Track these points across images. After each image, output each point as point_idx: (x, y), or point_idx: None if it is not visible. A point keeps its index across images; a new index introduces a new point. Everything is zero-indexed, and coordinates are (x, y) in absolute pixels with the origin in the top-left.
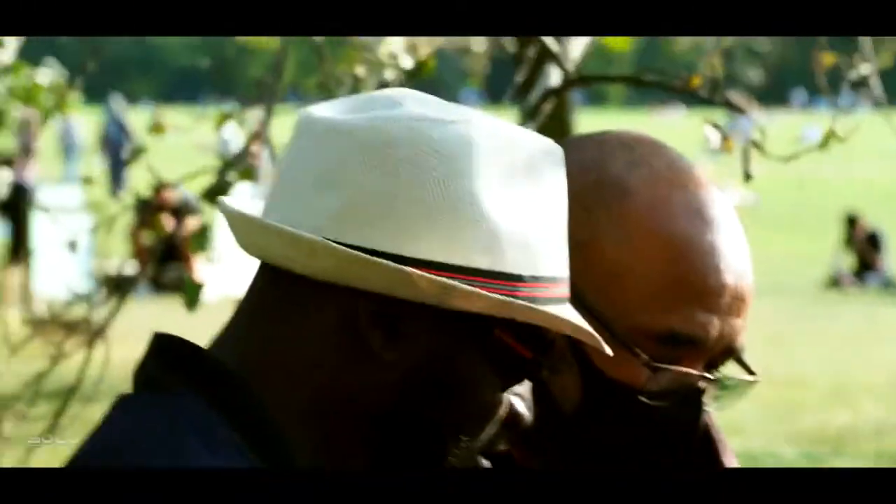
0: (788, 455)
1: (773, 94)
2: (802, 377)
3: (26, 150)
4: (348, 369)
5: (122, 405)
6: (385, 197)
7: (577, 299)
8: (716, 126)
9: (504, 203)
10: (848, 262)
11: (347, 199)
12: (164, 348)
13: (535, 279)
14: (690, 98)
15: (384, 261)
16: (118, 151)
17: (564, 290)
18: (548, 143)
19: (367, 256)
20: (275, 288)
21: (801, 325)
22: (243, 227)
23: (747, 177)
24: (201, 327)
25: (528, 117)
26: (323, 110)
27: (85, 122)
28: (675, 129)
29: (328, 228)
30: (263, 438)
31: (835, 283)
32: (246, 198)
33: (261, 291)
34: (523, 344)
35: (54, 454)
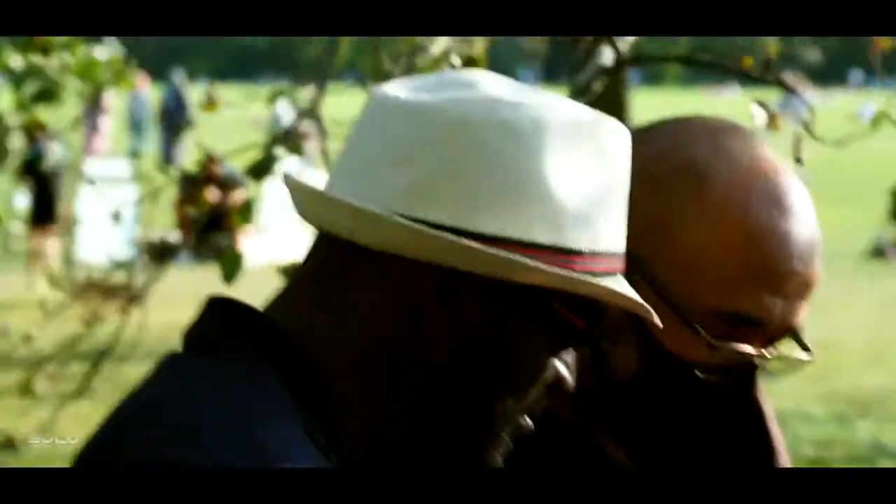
0: (818, 415)
1: (830, 74)
2: (838, 341)
3: (93, 125)
4: (405, 337)
5: (172, 364)
6: (453, 174)
7: (647, 276)
8: (762, 104)
9: (568, 180)
10: (893, 233)
11: (416, 176)
12: (221, 310)
13: (594, 253)
14: (745, 78)
15: (449, 235)
16: (174, 124)
17: (620, 263)
18: (614, 123)
19: (433, 231)
20: (336, 258)
21: (841, 292)
22: (309, 200)
23: (798, 160)
24: (241, 294)
25: (580, 95)
26: (396, 89)
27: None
28: (730, 108)
29: (396, 203)
30: (318, 405)
31: (878, 253)
32: (298, 172)
33: (320, 260)
34: (577, 315)
35: (77, 418)
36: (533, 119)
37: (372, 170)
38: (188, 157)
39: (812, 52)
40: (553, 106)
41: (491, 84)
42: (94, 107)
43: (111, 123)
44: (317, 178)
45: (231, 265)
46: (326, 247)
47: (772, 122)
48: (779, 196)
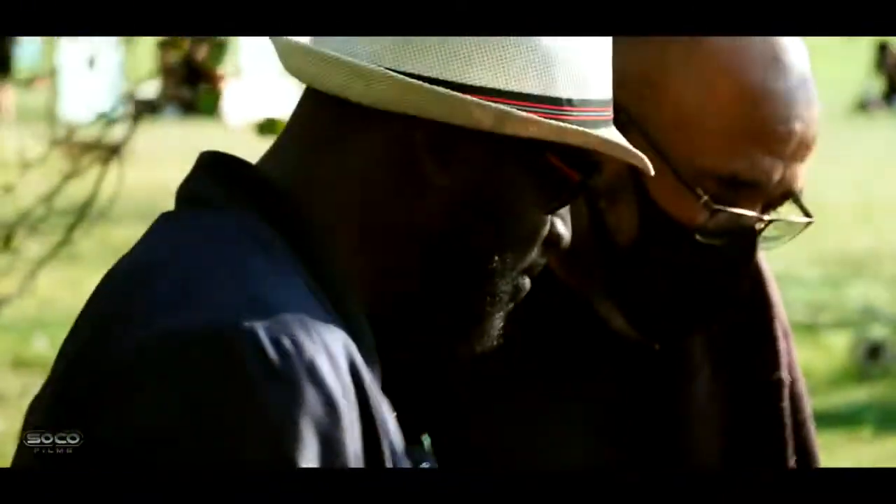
0: (810, 277)
1: None
2: (825, 200)
3: None
4: (400, 194)
5: (169, 221)
6: None
7: (644, 135)
8: None
9: None
10: (877, 86)
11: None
12: (215, 165)
13: (584, 102)
14: None
15: (442, 89)
16: None
17: (610, 112)
18: None
19: (426, 85)
20: (327, 115)
21: (826, 149)
22: (297, 56)
23: None
24: (228, 149)
25: None
26: None
27: None
28: None
29: (385, 57)
30: (317, 257)
31: (863, 106)
32: None
33: (311, 118)
34: (571, 166)
35: (62, 281)
36: None
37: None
38: None
39: None
40: None
41: None
42: None
43: None
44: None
45: (208, 101)
46: (316, 103)
47: None
48: (777, 55)
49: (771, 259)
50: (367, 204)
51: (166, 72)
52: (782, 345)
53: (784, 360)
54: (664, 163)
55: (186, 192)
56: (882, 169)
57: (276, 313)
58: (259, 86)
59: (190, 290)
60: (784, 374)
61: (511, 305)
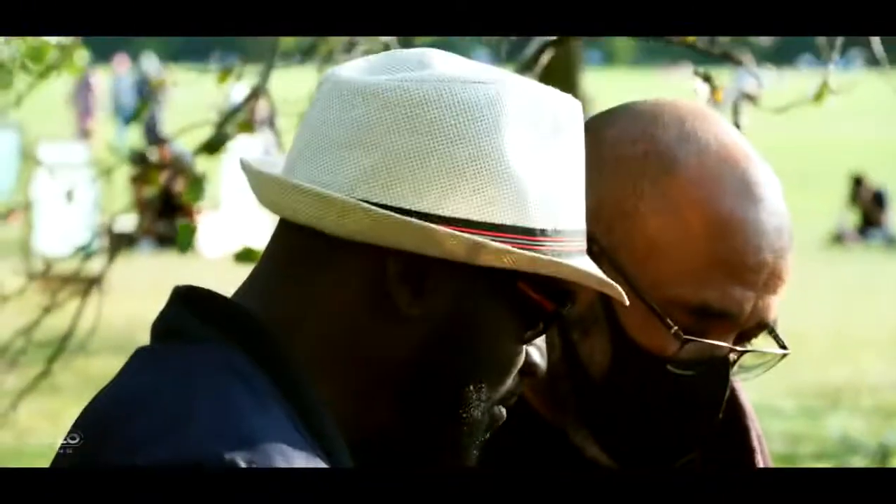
0: (787, 408)
1: (782, 57)
2: (803, 332)
3: (84, 107)
4: (374, 325)
5: (148, 355)
6: (414, 156)
7: (615, 266)
8: (706, 77)
9: (528, 159)
10: (852, 219)
11: (377, 159)
12: (190, 299)
13: (557, 232)
14: (694, 55)
15: (415, 220)
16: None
17: (583, 242)
18: (569, 100)
19: (399, 216)
20: (301, 245)
21: (803, 280)
22: (270, 187)
23: (737, 126)
24: (205, 282)
25: (526, 69)
26: (349, 71)
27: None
28: (680, 88)
29: (357, 188)
30: (295, 389)
31: (838, 239)
32: (258, 157)
33: (285, 248)
34: (545, 296)
35: (41, 413)
36: (489, 98)
37: (331, 153)
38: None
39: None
40: (507, 83)
41: (443, 62)
42: (83, 87)
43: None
44: (275, 163)
45: (185, 236)
46: (290, 234)
47: (714, 94)
48: (748, 185)
49: (748, 390)
50: (340, 333)
51: (142, 206)
52: (761, 463)
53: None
54: (634, 293)
55: (162, 326)
56: (857, 301)
57: (259, 444)
58: (236, 218)
59: (173, 423)
60: None
61: (487, 435)
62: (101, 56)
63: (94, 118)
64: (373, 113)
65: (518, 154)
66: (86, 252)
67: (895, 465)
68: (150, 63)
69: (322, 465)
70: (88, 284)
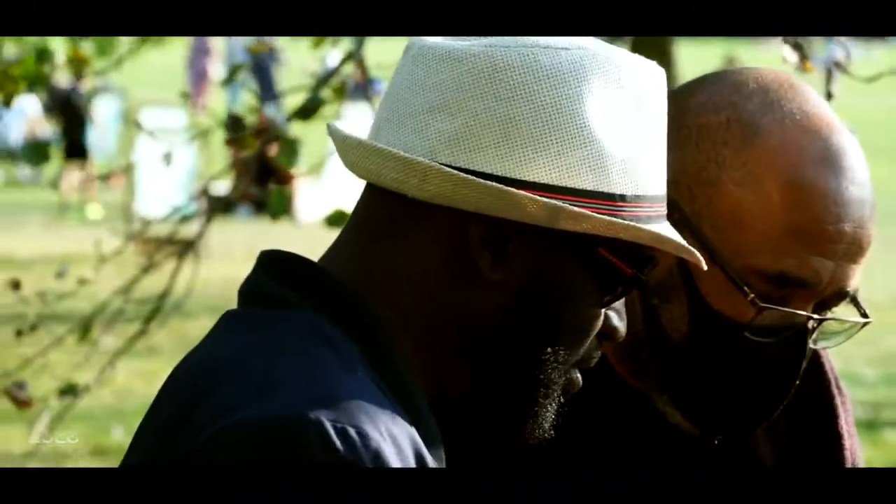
0: (869, 377)
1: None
2: (885, 300)
3: (199, 72)
4: (456, 289)
5: (236, 320)
6: (497, 122)
7: (695, 234)
8: (797, 46)
9: (609, 125)
10: None
11: (461, 124)
12: (277, 263)
13: (638, 198)
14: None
15: (496, 184)
16: (266, 70)
17: (663, 207)
18: (652, 67)
19: (480, 181)
20: (385, 210)
21: (888, 250)
22: (355, 151)
23: (829, 96)
24: (300, 247)
25: (616, 38)
26: (434, 38)
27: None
28: (771, 60)
29: (441, 152)
30: (378, 351)
31: None
32: (350, 123)
33: (370, 213)
34: (624, 261)
35: (138, 373)
36: (572, 63)
37: (415, 118)
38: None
39: None
40: (591, 49)
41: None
42: (199, 52)
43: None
44: (362, 128)
45: (278, 202)
46: (375, 198)
47: (804, 63)
48: (830, 154)
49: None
50: (423, 298)
51: (238, 170)
52: (847, 441)
53: (849, 457)
54: (713, 260)
55: (249, 291)
56: None
57: (343, 406)
58: (338, 185)
59: (261, 387)
60: (847, 457)
61: (565, 398)
62: None
63: (210, 83)
64: (456, 78)
65: (600, 120)
66: (182, 215)
67: None
68: None
69: (404, 424)
70: (185, 247)
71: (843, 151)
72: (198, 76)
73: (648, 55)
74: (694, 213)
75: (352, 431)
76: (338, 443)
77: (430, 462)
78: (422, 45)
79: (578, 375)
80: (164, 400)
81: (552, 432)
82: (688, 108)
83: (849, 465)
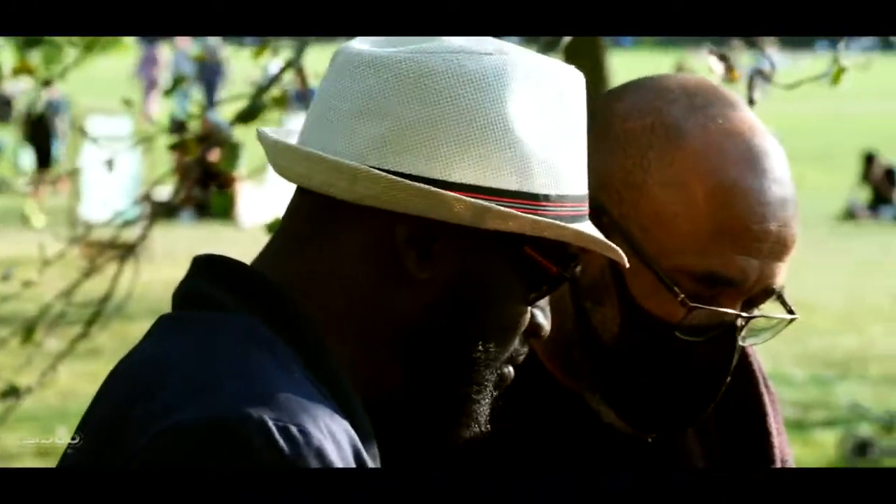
0: (797, 377)
1: (800, 41)
2: (813, 302)
3: (149, 81)
4: (385, 289)
5: (171, 323)
6: (423, 125)
7: (624, 236)
8: (722, 57)
9: (532, 128)
10: (864, 196)
11: (387, 128)
12: (212, 267)
13: (560, 198)
14: (717, 40)
15: (423, 185)
16: (211, 81)
17: (586, 207)
18: (571, 70)
19: (408, 182)
20: (314, 212)
21: (815, 254)
22: (284, 155)
23: (751, 102)
24: (242, 250)
25: (548, 48)
26: (362, 44)
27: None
28: (701, 68)
29: (369, 155)
30: (312, 350)
31: (850, 215)
32: (281, 131)
33: (300, 216)
34: (549, 259)
35: (81, 375)
36: (496, 68)
37: (343, 123)
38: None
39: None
40: (512, 54)
41: (455, 37)
42: (147, 62)
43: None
44: (291, 132)
45: (221, 206)
46: (305, 202)
47: (729, 73)
48: (752, 156)
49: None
50: (353, 297)
51: (182, 173)
52: (776, 440)
53: (777, 454)
54: (642, 262)
55: (185, 294)
56: (867, 274)
57: (283, 405)
58: (280, 191)
59: (200, 387)
60: (776, 455)
61: (496, 393)
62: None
63: (158, 91)
64: (383, 83)
65: (522, 123)
66: (125, 219)
67: None
68: (212, 38)
69: (342, 422)
70: (127, 250)
71: (764, 153)
72: (147, 85)
73: (581, 63)
74: (622, 215)
75: (294, 430)
76: (281, 441)
77: (367, 459)
78: (349, 52)
79: (510, 370)
80: (101, 401)
81: (487, 426)
82: (614, 113)
83: (778, 462)
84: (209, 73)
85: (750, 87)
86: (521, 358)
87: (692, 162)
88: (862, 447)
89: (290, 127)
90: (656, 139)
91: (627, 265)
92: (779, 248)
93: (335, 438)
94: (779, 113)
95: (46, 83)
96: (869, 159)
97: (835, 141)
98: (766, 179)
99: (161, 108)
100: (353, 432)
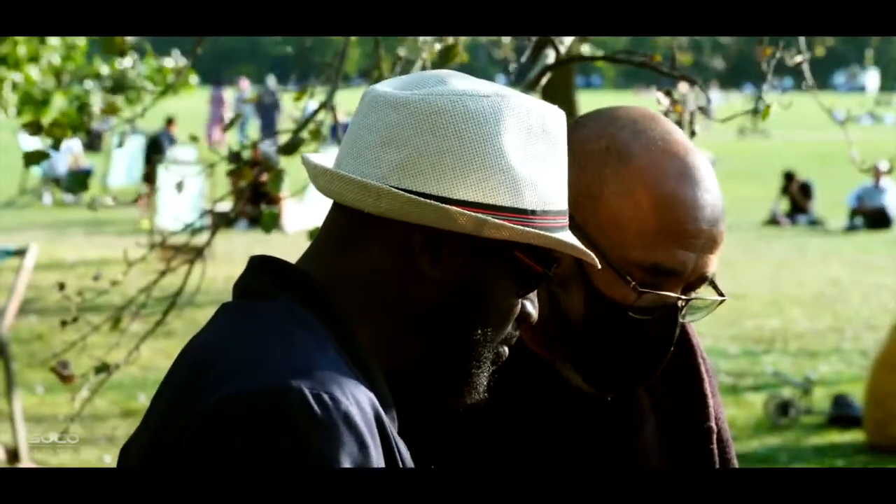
0: (732, 351)
1: (730, 81)
2: (745, 291)
3: (217, 115)
4: (403, 283)
5: (230, 310)
6: (434, 153)
7: (585, 237)
8: (668, 93)
9: (521, 155)
10: (784, 206)
11: (405, 156)
12: (263, 265)
13: (545, 212)
14: (660, 76)
15: (434, 202)
16: (269, 115)
17: (566, 219)
18: (554, 109)
19: (422, 199)
20: (346, 223)
21: (745, 253)
22: (323, 177)
23: (692, 134)
24: (287, 253)
25: (530, 88)
26: (384, 86)
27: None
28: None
29: (390, 177)
30: (344, 334)
31: (773, 222)
32: (321, 157)
33: (336, 225)
34: (536, 261)
35: (159, 351)
36: (493, 108)
37: (370, 151)
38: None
39: (717, 60)
40: (507, 97)
41: (458, 81)
42: (216, 100)
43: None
44: (328, 159)
45: (268, 220)
46: (338, 214)
47: (675, 107)
48: (686, 171)
49: (700, 337)
50: (377, 290)
51: (237, 193)
52: (711, 400)
53: (712, 412)
54: (601, 257)
55: (241, 287)
56: (787, 269)
57: (317, 376)
58: (317, 205)
59: (250, 362)
60: (712, 424)
61: (493, 368)
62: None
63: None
64: (402, 119)
65: (513, 152)
66: (193, 228)
67: (816, 395)
68: (271, 82)
69: (365, 390)
70: (196, 253)
71: (696, 167)
72: (215, 120)
73: (556, 101)
74: (584, 221)
75: (326, 397)
76: (315, 406)
77: (387, 422)
78: (374, 93)
79: (505, 349)
80: (173, 374)
81: (485, 394)
82: (575, 139)
83: (712, 418)
84: (264, 110)
85: (691, 121)
86: (514, 340)
87: (638, 176)
88: (784, 407)
89: (327, 155)
90: (609, 158)
91: (599, 267)
92: (710, 243)
93: (360, 405)
94: (716, 140)
95: (130, 121)
96: (788, 177)
97: (760, 163)
98: (698, 189)
99: (225, 138)
100: (375, 400)
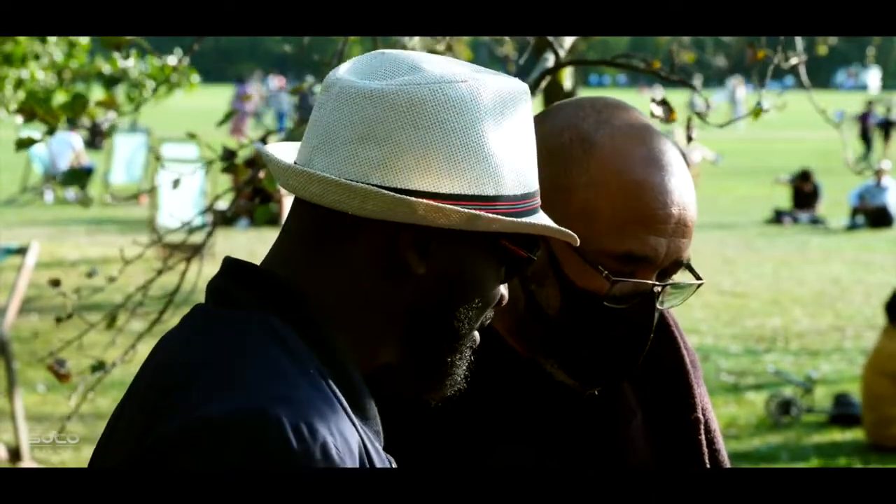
0: (733, 350)
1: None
2: (746, 290)
3: (242, 111)
4: (388, 283)
5: (208, 319)
6: (418, 147)
7: None
8: (663, 101)
9: (499, 139)
10: (786, 204)
11: (387, 151)
12: (237, 270)
13: (526, 195)
14: (659, 78)
15: (424, 200)
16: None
17: (539, 199)
18: (519, 83)
19: (412, 198)
20: (322, 223)
21: (748, 251)
22: (296, 177)
23: (689, 139)
24: None
25: (531, 90)
26: (351, 75)
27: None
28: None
29: (373, 175)
30: (322, 342)
31: (775, 220)
32: (279, 147)
33: (309, 225)
34: (519, 247)
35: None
36: (471, 93)
37: (345, 147)
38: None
39: (719, 58)
40: (479, 78)
41: (429, 64)
42: (240, 97)
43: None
44: (283, 149)
45: (261, 214)
46: (312, 214)
47: (670, 115)
48: (652, 156)
49: (702, 335)
50: (359, 294)
51: (236, 190)
52: (696, 391)
53: (699, 403)
54: (572, 249)
55: (215, 290)
56: (789, 267)
57: (296, 403)
58: None
59: (227, 384)
60: (699, 415)
61: (470, 355)
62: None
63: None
64: (381, 114)
65: (493, 137)
66: (191, 227)
67: (818, 394)
68: (273, 81)
69: (347, 420)
70: (194, 251)
71: (662, 152)
72: (239, 117)
73: (559, 100)
74: (553, 214)
75: (303, 428)
76: (291, 437)
77: (371, 449)
78: (342, 84)
79: (478, 335)
80: (142, 382)
81: (464, 384)
82: (540, 133)
83: (699, 409)
84: (280, 106)
85: (688, 126)
86: (487, 323)
87: (605, 165)
88: (785, 406)
89: (283, 146)
90: (574, 150)
91: (578, 243)
92: (681, 227)
93: (342, 435)
94: (724, 139)
95: (130, 113)
96: (804, 176)
97: (764, 161)
98: (665, 173)
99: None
100: (358, 425)
